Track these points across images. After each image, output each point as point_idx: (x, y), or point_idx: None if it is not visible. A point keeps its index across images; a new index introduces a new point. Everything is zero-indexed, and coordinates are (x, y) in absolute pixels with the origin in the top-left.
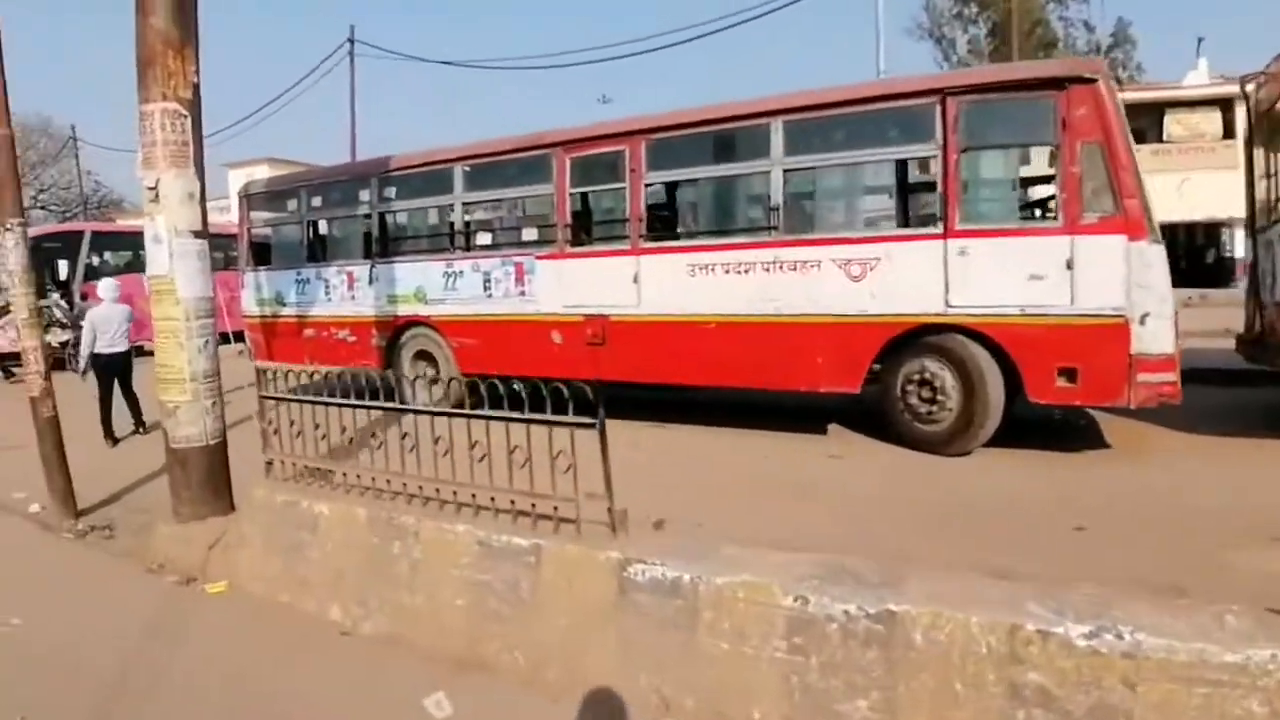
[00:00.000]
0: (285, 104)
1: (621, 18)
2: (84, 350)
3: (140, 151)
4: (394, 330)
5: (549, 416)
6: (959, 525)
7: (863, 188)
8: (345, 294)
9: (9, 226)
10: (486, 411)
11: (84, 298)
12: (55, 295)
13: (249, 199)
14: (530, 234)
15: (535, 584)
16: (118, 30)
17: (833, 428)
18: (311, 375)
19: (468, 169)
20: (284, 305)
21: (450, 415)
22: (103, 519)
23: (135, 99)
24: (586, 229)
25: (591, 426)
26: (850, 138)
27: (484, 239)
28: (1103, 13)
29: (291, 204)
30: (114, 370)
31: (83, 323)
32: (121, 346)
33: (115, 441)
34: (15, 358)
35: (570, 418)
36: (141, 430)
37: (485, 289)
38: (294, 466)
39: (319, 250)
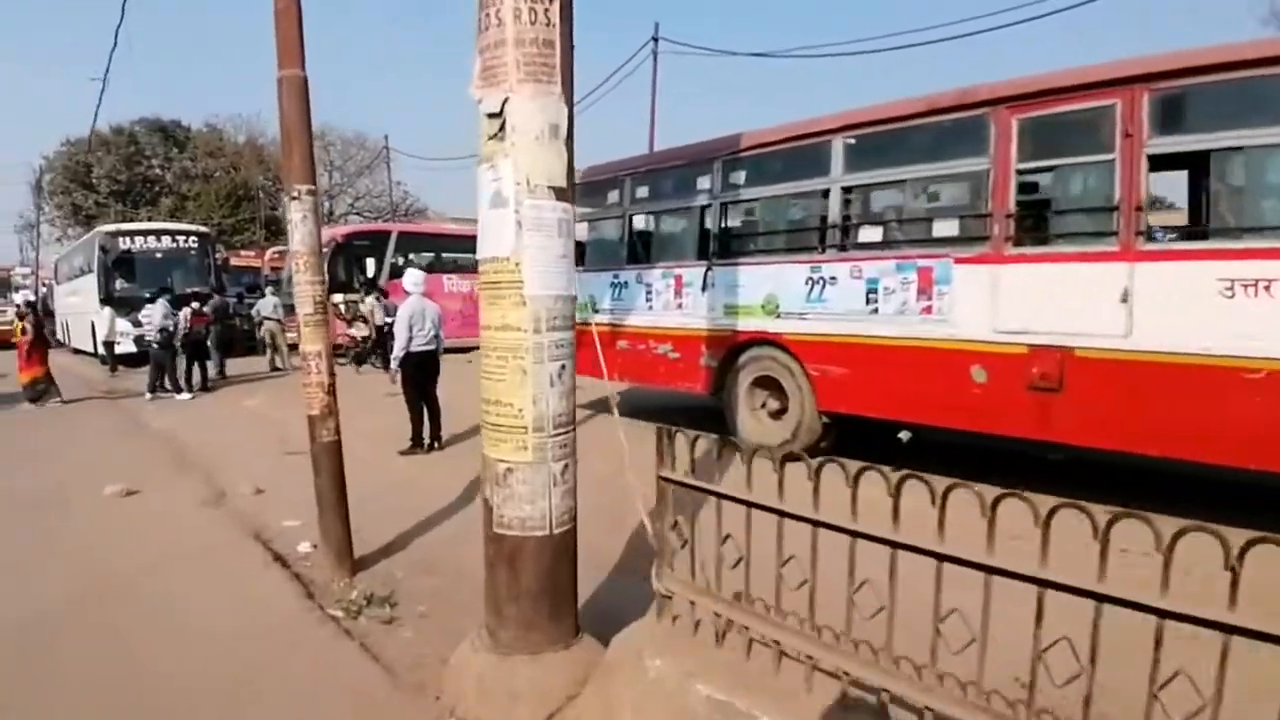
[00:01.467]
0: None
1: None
2: (398, 348)
3: (477, 59)
4: (730, 349)
5: None
6: None
7: None
8: (671, 301)
9: (296, 194)
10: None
11: (384, 295)
12: (373, 296)
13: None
14: (943, 228)
15: None
16: (423, 51)
17: None
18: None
19: (852, 142)
20: (595, 312)
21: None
22: (383, 581)
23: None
24: (1038, 221)
25: None
26: None
27: (868, 235)
28: None
29: (612, 195)
30: (425, 371)
31: (387, 319)
32: (432, 345)
33: (428, 449)
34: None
35: None
36: (438, 445)
37: (868, 301)
38: (716, 617)
39: (641, 249)
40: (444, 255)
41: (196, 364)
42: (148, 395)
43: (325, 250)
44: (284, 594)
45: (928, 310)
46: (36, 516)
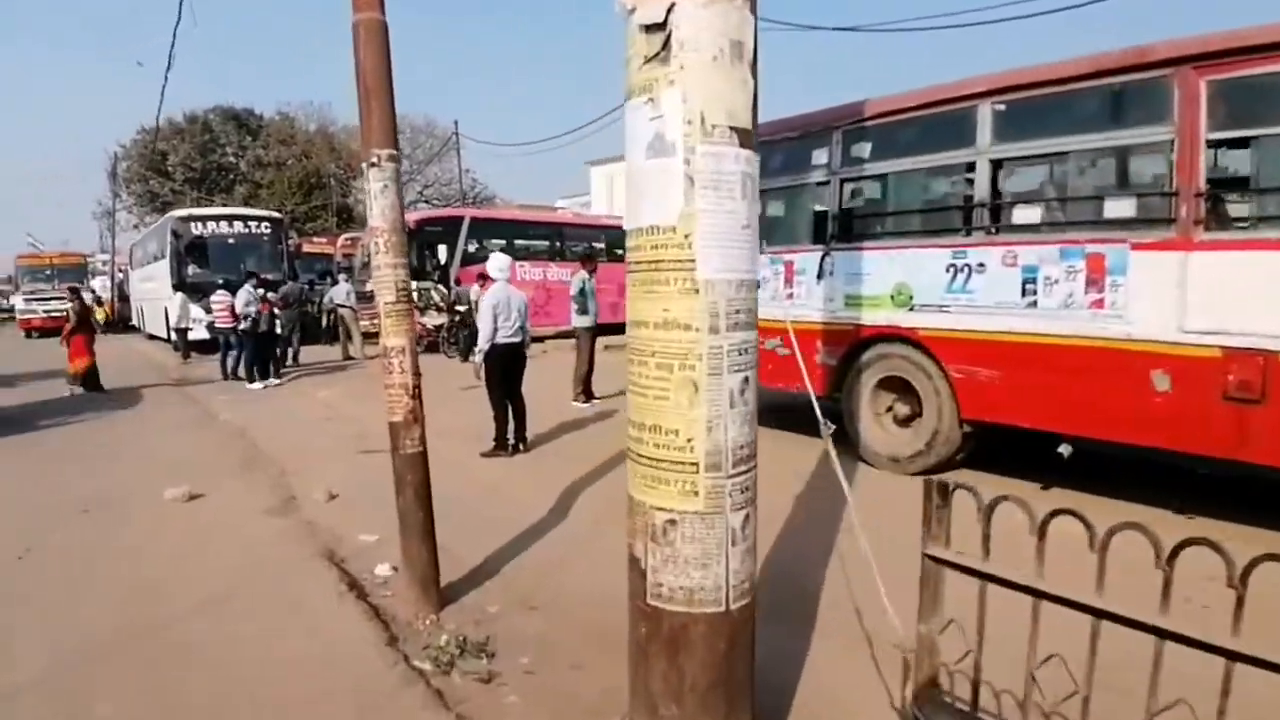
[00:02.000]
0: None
1: None
2: (483, 339)
3: None
4: (851, 345)
5: None
6: None
7: None
8: (780, 291)
9: (375, 160)
10: None
11: (458, 282)
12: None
13: None
14: (1117, 208)
15: None
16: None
17: None
18: None
19: (1002, 108)
20: None
21: None
22: (476, 620)
23: None
24: (1235, 201)
25: None
26: None
27: (1025, 215)
28: None
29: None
30: (511, 366)
31: (460, 307)
32: (518, 337)
33: (511, 452)
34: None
35: None
36: (522, 447)
37: (1024, 293)
38: None
39: None
40: (516, 242)
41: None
42: (221, 378)
43: None
44: (361, 637)
45: (1098, 304)
46: (89, 526)
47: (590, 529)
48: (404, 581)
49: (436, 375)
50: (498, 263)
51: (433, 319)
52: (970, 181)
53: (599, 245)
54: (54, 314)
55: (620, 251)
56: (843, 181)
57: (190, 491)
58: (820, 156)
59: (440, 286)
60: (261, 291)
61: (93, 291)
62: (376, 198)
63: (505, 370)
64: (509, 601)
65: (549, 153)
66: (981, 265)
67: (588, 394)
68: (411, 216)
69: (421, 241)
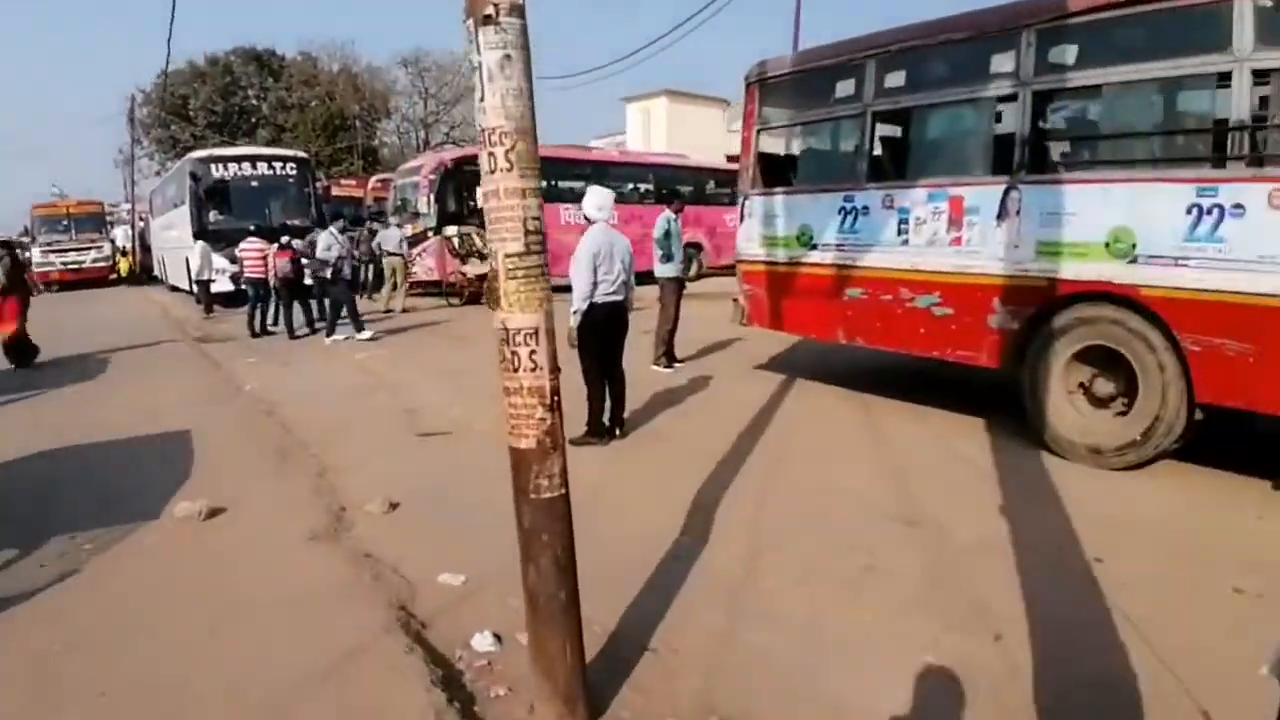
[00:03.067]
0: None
1: None
2: (579, 296)
3: None
4: (1041, 305)
5: None
6: None
7: None
8: (942, 234)
9: (491, 14)
10: None
11: None
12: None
13: (763, 86)
14: None
15: None
16: None
17: None
18: None
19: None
20: (811, 247)
21: None
22: None
23: None
24: None
25: None
26: None
27: None
28: None
29: (844, 86)
30: (612, 330)
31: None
32: (620, 294)
33: (607, 438)
34: (435, 285)
35: None
36: (618, 432)
37: None
38: None
39: (891, 161)
40: (560, 183)
41: (298, 305)
42: (250, 335)
43: (432, 177)
44: None
45: None
46: (72, 562)
47: (740, 564)
48: (535, 690)
49: (484, 329)
50: (596, 199)
51: (475, 267)
52: (1223, 97)
53: (646, 186)
54: (73, 266)
55: (666, 192)
56: (1036, 94)
57: (209, 505)
58: (1002, 63)
59: (482, 231)
60: (285, 239)
61: (112, 241)
62: (492, 77)
63: (605, 337)
64: (685, 708)
65: (582, 91)
66: (1238, 207)
67: (669, 356)
68: (448, 155)
69: (459, 183)
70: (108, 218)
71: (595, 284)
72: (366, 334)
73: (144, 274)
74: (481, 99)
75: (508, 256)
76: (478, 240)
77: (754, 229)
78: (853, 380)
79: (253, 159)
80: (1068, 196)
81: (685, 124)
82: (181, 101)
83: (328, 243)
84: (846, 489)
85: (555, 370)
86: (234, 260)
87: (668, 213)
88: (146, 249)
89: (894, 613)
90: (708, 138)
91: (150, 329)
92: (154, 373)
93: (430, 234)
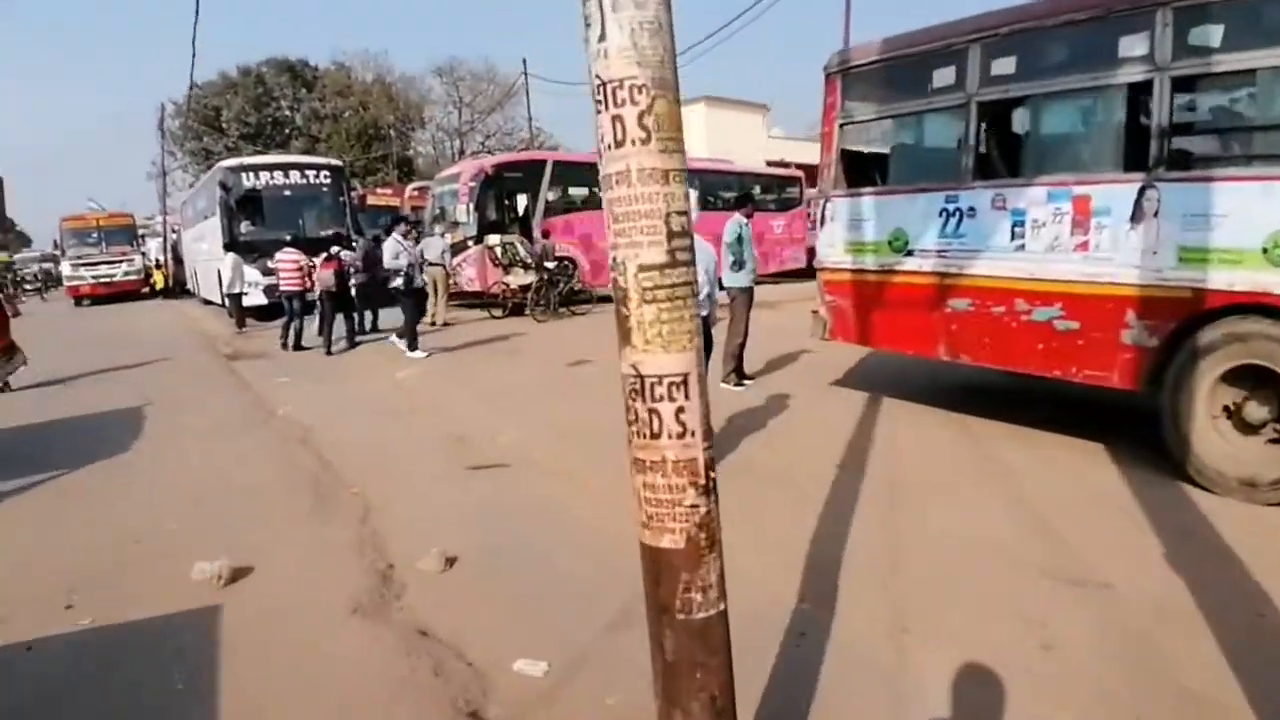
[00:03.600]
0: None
1: None
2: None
3: None
4: (1184, 318)
5: None
6: None
7: None
8: (1064, 238)
9: None
10: None
11: (545, 235)
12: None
13: (846, 76)
14: None
15: None
16: None
17: None
18: None
19: None
20: (906, 253)
21: None
22: None
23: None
24: None
25: None
26: None
27: None
28: None
29: (943, 76)
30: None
31: (549, 264)
32: (705, 308)
33: None
34: (475, 296)
35: None
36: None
37: None
38: None
39: (1001, 157)
40: (598, 190)
41: (343, 317)
42: (419, 353)
43: (472, 184)
44: None
45: None
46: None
47: (884, 641)
48: None
49: (530, 343)
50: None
51: (519, 278)
52: None
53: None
54: (104, 280)
55: (711, 199)
56: (1176, 82)
57: (231, 566)
58: (1134, 46)
59: (525, 240)
60: (334, 250)
61: (144, 255)
62: (616, 4)
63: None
64: None
65: None
66: None
67: (740, 373)
68: (488, 161)
69: (499, 189)
70: (141, 231)
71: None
72: (421, 353)
73: (178, 287)
74: (600, 37)
75: (643, 270)
76: (521, 249)
77: (838, 233)
78: (941, 397)
79: (285, 167)
80: (1217, 196)
81: (724, 130)
82: (214, 113)
83: (395, 250)
84: (984, 537)
85: (709, 435)
86: (266, 272)
87: (739, 217)
88: (179, 261)
89: (1094, 709)
90: (747, 144)
91: (179, 345)
92: (181, 393)
93: (471, 243)
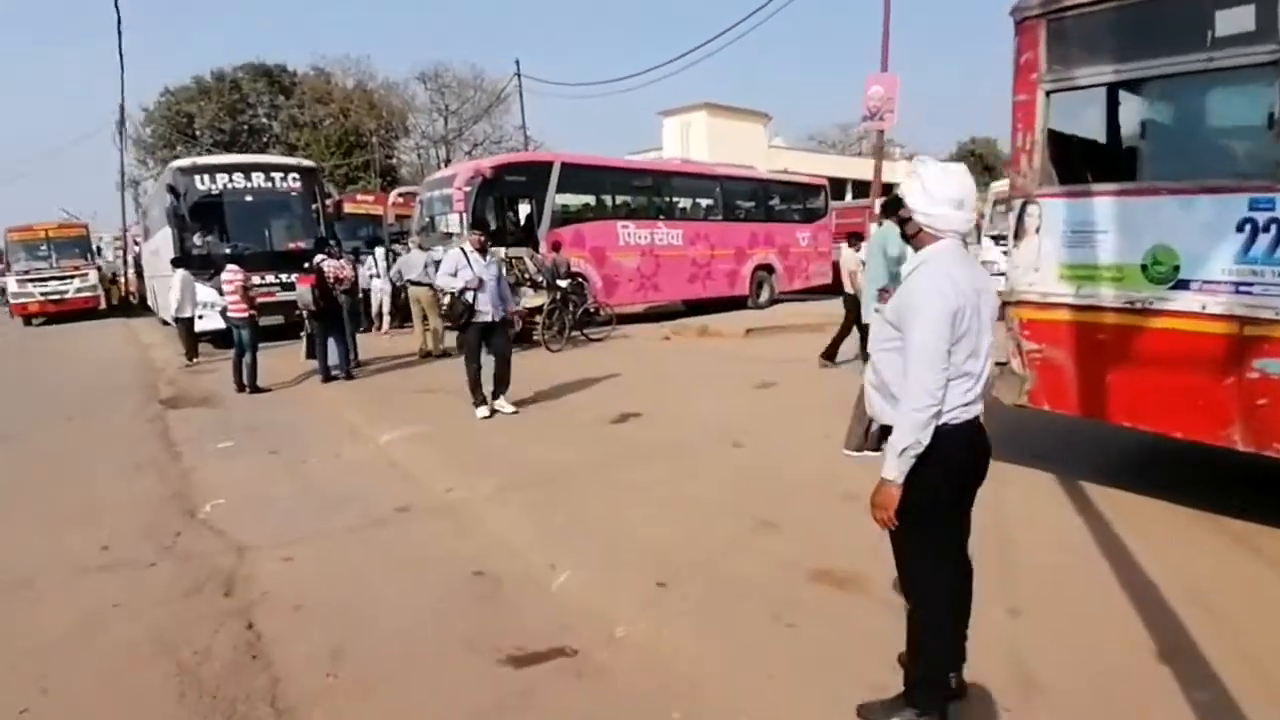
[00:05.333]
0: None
1: None
2: (918, 415)
3: None
4: None
5: None
6: None
7: None
8: None
9: None
10: None
11: (556, 248)
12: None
13: (1055, 19)
14: None
15: None
16: None
17: None
18: None
19: None
20: (1174, 284)
21: None
22: None
23: None
24: None
25: None
26: None
27: None
28: None
29: (1231, 20)
30: (971, 480)
31: (562, 282)
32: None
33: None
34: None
35: None
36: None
37: None
38: None
39: None
40: (617, 198)
41: (334, 341)
42: (237, 388)
43: (467, 189)
44: None
45: None
46: None
47: None
48: None
49: (557, 387)
50: (951, 185)
51: (528, 299)
52: None
53: (708, 201)
54: (54, 297)
55: (734, 208)
56: None
57: None
58: None
59: (535, 254)
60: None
61: (99, 269)
62: None
63: (961, 496)
64: None
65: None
66: None
67: (870, 435)
68: (486, 163)
69: (499, 195)
70: (97, 243)
71: (947, 383)
72: (485, 411)
73: (141, 303)
74: None
75: None
76: (530, 265)
77: (1050, 250)
78: (1135, 474)
79: (246, 169)
80: None
81: (725, 138)
82: (187, 119)
83: (453, 265)
84: None
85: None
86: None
87: (890, 225)
88: (140, 276)
89: None
90: (748, 153)
91: (111, 385)
92: (76, 475)
93: None
